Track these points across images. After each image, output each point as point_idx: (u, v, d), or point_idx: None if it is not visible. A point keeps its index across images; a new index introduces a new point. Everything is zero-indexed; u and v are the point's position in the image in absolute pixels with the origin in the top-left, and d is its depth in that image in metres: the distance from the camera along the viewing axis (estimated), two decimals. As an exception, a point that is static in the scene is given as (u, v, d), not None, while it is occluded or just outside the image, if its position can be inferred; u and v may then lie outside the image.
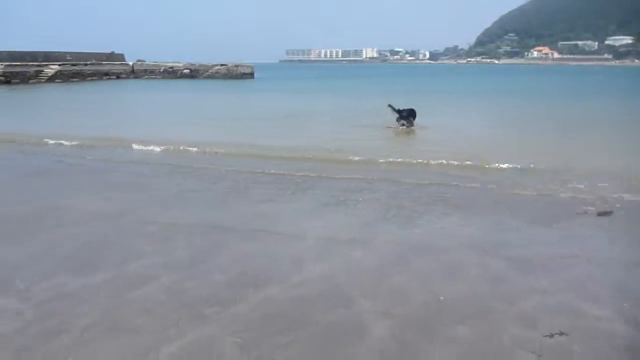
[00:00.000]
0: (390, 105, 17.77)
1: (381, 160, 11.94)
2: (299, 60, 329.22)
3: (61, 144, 14.38)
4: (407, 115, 17.45)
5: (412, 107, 17.74)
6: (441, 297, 5.10)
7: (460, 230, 7.21)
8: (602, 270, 5.88)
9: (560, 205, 8.55)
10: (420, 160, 11.83)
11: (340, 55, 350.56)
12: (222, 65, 67.89)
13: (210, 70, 67.20)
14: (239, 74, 66.16)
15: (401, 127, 17.34)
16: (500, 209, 8.21)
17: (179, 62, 70.40)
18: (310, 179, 10.26)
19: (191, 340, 4.30)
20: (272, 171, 10.92)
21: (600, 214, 7.88)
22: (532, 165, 11.08)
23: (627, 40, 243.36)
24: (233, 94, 42.30)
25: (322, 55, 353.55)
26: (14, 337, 4.38)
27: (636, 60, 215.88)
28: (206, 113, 25.52)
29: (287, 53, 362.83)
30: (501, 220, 7.66)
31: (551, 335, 4.37)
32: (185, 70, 67.93)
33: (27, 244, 6.61)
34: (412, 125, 17.37)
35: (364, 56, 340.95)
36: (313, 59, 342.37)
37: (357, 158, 12.14)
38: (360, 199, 8.80)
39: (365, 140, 15.28)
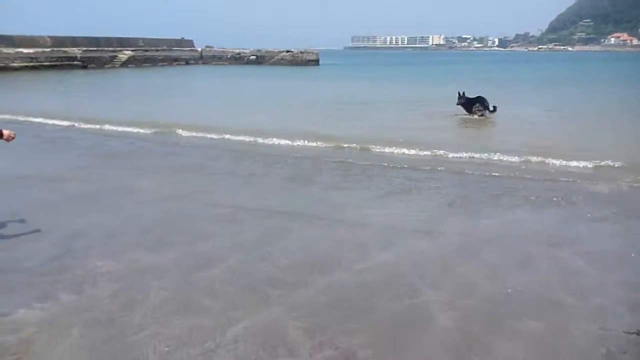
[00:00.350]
0: (461, 93, 17.18)
1: (448, 151, 11.68)
2: (364, 47, 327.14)
3: (137, 131, 14.87)
4: (478, 103, 16.86)
5: (481, 95, 17.14)
6: (509, 290, 4.98)
7: (531, 223, 7.00)
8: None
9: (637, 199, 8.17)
10: (488, 152, 11.50)
11: (406, 42, 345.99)
12: (287, 51, 68.43)
13: (276, 57, 67.90)
14: (304, 61, 66.45)
15: (476, 116, 16.76)
16: (572, 202, 7.90)
17: (245, 49, 71.55)
18: (375, 167, 10.21)
19: (256, 322, 4.39)
20: (337, 159, 10.93)
21: None
22: (608, 160, 10.57)
23: None
24: (298, 80, 42.79)
25: (388, 42, 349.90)
26: (105, 300, 4.71)
27: None
28: (272, 99, 25.85)
29: (352, 40, 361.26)
30: (574, 213, 7.38)
31: (638, 333, 4.21)
32: (251, 57, 68.99)
33: (108, 218, 6.98)
34: (485, 114, 16.76)
35: (430, 43, 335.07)
36: (378, 45, 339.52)
37: (423, 148, 11.90)
38: (426, 189, 8.69)
39: (432, 129, 15.05)
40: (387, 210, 7.49)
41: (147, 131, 14.57)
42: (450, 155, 11.28)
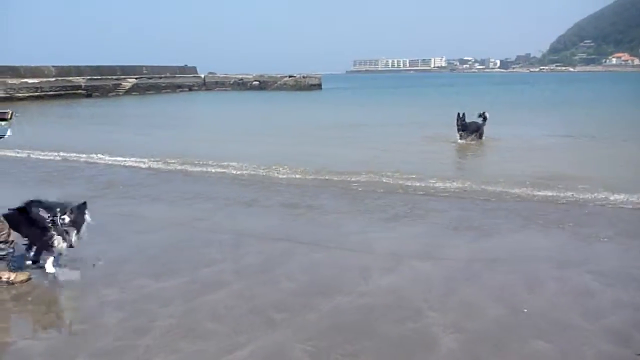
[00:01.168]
0: (460, 115, 16.95)
1: (446, 175, 11.74)
2: (366, 71, 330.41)
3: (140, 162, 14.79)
4: (470, 130, 16.75)
5: (478, 122, 17.07)
6: (525, 310, 5.02)
7: (536, 244, 7.03)
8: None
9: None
10: (488, 175, 11.56)
11: (407, 64, 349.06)
12: (290, 76, 69.08)
13: (278, 82, 68.51)
14: (306, 85, 67.03)
15: (461, 140, 16.67)
16: (576, 221, 7.93)
17: (248, 74, 72.23)
18: (376, 193, 10.23)
19: (262, 345, 4.41)
20: (337, 185, 10.97)
21: None
22: (610, 179, 10.63)
23: None
24: (300, 104, 43.15)
25: (390, 65, 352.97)
26: (113, 328, 4.73)
27: None
28: (272, 124, 26.15)
29: (354, 63, 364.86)
30: (578, 232, 7.41)
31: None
32: (254, 82, 69.59)
33: (117, 246, 7.05)
34: (471, 139, 16.66)
35: (432, 65, 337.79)
36: (380, 69, 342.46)
37: (423, 173, 11.92)
38: (428, 213, 8.71)
39: (433, 153, 15.18)
40: (390, 234, 7.53)
41: (147, 161, 14.36)
42: (450, 178, 11.29)
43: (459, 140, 16.70)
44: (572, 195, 9.51)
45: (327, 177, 11.55)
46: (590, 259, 6.44)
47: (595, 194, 9.47)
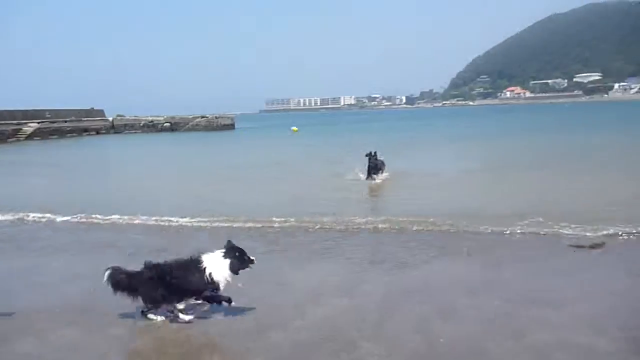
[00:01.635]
0: (369, 155, 16.93)
1: (359, 211, 11.92)
2: (279, 110, 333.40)
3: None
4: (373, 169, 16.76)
5: (381, 160, 17.07)
6: (441, 339, 5.13)
7: (452, 273, 7.25)
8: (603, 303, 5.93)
9: (549, 242, 8.68)
10: (400, 209, 11.87)
11: (319, 103, 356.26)
12: (202, 117, 68.32)
13: (190, 123, 67.48)
14: (219, 125, 66.51)
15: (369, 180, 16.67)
16: (483, 250, 8.27)
17: (159, 116, 70.68)
18: (292, 232, 10.20)
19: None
20: (253, 228, 10.69)
21: (592, 247, 8.18)
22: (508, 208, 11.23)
23: (595, 76, 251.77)
24: (212, 145, 42.70)
25: (301, 103, 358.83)
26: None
27: (605, 95, 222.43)
28: (183, 166, 25.68)
29: (267, 103, 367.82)
30: (486, 261, 7.72)
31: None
32: (165, 124, 68.06)
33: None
34: (374, 179, 16.67)
35: (342, 103, 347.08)
36: (292, 107, 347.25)
37: (336, 209, 12.05)
38: (345, 249, 8.79)
39: (344, 190, 15.42)
40: (311, 271, 7.52)
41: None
42: (362, 214, 11.47)
43: (371, 180, 16.64)
44: (479, 226, 9.87)
45: (244, 221, 11.22)
46: (498, 285, 6.71)
47: (499, 226, 9.75)
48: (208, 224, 11.11)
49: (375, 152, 16.91)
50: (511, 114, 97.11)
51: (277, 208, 12.31)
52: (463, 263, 7.72)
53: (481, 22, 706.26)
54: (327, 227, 10.37)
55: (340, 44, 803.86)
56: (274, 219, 11.01)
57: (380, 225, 10.27)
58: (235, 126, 67.45)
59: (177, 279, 5.67)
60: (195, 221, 11.33)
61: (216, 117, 68.59)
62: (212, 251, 5.89)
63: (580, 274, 7.08)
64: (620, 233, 8.82)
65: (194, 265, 5.76)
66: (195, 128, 66.00)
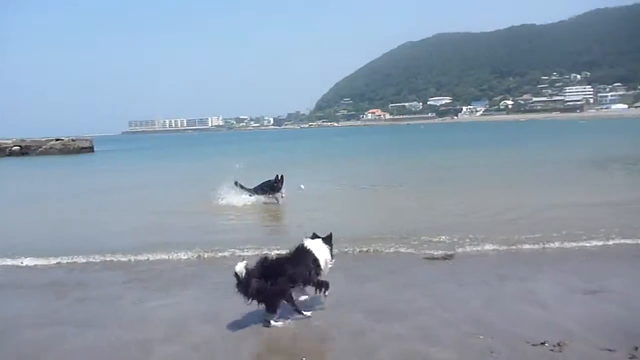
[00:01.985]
0: (237, 183, 16.56)
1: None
2: (143, 131, 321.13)
3: None
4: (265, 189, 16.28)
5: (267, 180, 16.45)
6: (303, 358, 5.21)
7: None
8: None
9: (406, 256, 9.23)
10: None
11: (185, 124, 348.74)
12: (57, 139, 63.56)
13: (44, 146, 62.36)
14: (77, 148, 62.21)
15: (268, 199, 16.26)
16: (345, 265, 8.58)
17: (6, 139, 64.60)
18: (147, 263, 9.86)
19: None
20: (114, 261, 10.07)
21: (444, 258, 8.84)
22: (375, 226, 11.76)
23: (446, 100, 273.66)
24: (65, 170, 39.58)
25: (167, 125, 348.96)
26: None
27: (455, 117, 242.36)
28: (31, 193, 23.64)
29: (130, 124, 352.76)
30: (349, 275, 8.00)
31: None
32: (14, 147, 62.20)
33: None
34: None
35: (209, 124, 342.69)
36: (158, 129, 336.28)
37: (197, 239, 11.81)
38: (203, 278, 8.65)
39: (216, 215, 15.12)
40: (168, 303, 7.30)
41: None
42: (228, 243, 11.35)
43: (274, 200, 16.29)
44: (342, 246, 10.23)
45: (105, 255, 10.53)
46: (360, 299, 7.00)
47: (360, 245, 10.01)
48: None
49: (281, 176, 16.23)
50: (373, 134, 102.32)
51: (138, 237, 11.82)
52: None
53: (343, 47, 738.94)
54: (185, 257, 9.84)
55: (206, 64, 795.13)
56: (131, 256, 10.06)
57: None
58: (95, 149, 63.69)
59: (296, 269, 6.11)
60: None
61: (72, 140, 64.09)
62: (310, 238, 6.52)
63: (430, 285, 7.60)
64: (468, 244, 9.59)
65: (309, 255, 6.28)
66: (50, 152, 61.08)
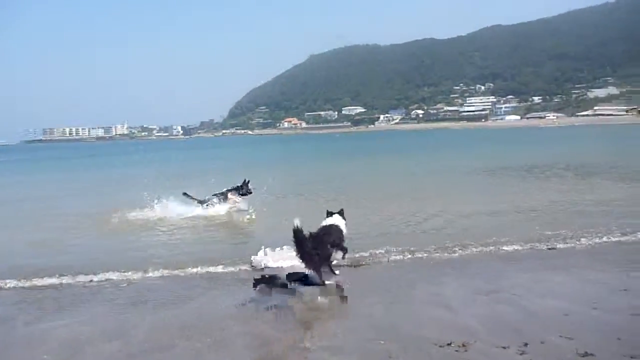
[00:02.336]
0: (185, 194, 15.68)
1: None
2: (44, 140, 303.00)
3: None
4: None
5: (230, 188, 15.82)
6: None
7: (220, 305, 7.29)
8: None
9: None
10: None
11: (88, 133, 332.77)
12: (-61, 150, 58.34)
13: None
14: (-37, 159, 57.62)
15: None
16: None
17: None
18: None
19: None
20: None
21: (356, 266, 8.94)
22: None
23: (360, 109, 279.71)
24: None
25: (68, 133, 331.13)
26: None
27: (371, 126, 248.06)
28: None
29: (28, 133, 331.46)
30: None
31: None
32: None
33: None
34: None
35: (113, 133, 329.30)
36: (57, 137, 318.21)
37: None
38: (97, 295, 8.29)
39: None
40: (65, 322, 6.92)
41: None
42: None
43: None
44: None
45: None
46: (269, 311, 6.97)
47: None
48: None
49: (248, 181, 15.84)
50: (288, 143, 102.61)
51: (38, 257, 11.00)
52: (236, 292, 7.82)
53: (257, 56, 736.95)
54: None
55: (110, 67, 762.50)
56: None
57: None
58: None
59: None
60: None
61: (-41, 150, 59.26)
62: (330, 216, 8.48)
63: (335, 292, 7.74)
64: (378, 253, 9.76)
65: (336, 227, 8.24)
66: None
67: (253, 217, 14.50)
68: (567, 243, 9.97)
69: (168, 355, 5.65)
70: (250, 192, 15.78)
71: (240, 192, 15.74)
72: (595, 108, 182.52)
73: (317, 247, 7.63)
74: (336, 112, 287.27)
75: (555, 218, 12.54)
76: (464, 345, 5.49)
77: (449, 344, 5.53)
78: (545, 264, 8.65)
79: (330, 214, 8.57)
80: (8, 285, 8.67)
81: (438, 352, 5.40)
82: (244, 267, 9.09)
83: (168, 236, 12.61)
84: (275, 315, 6.77)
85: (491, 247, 9.85)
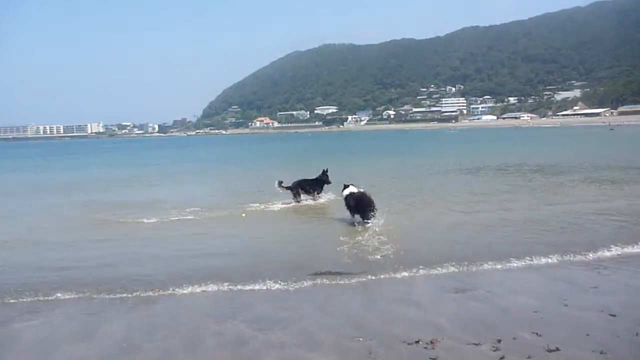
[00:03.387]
0: (280, 183, 16.34)
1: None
2: (13, 138, 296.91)
3: None
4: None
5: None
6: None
7: (195, 303, 7.26)
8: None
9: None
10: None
11: (62, 130, 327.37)
12: None
13: None
14: None
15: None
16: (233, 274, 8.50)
17: None
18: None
19: None
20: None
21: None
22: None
23: (332, 109, 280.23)
24: None
25: (41, 131, 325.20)
26: None
27: (341, 126, 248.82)
28: None
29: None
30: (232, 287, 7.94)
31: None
32: None
33: None
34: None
35: (89, 131, 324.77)
36: (30, 136, 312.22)
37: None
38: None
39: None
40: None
41: None
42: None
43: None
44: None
45: None
46: (244, 309, 6.98)
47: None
48: None
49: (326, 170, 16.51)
50: (260, 142, 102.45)
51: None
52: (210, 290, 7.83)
53: (230, 55, 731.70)
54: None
55: (84, 63, 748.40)
56: None
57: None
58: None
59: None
60: None
61: None
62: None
63: (313, 292, 7.77)
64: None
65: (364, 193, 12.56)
66: None
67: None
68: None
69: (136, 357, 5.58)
70: (330, 182, 16.37)
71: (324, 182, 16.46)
72: (575, 108, 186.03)
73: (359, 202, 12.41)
74: (308, 112, 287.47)
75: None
76: (431, 342, 5.60)
77: (417, 342, 5.63)
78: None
79: (346, 186, 13.01)
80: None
81: (406, 349, 5.50)
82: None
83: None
84: (250, 315, 6.77)
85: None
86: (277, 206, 15.57)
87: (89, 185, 25.02)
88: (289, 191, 16.28)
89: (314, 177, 16.65)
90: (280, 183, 16.39)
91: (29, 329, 6.56)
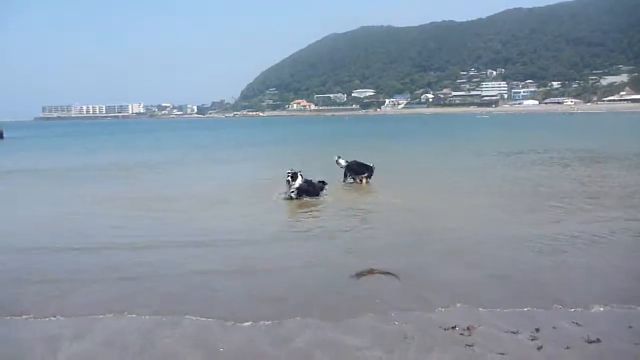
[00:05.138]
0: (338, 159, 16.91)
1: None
2: (58, 117, 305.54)
3: None
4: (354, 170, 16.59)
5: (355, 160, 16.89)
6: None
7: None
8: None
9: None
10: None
11: (104, 111, 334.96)
12: (-44, 126, 58.77)
13: (-60, 132, 57.68)
14: (-19, 134, 58.13)
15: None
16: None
17: None
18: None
19: None
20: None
21: None
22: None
23: (370, 92, 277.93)
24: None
25: (85, 111, 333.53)
26: None
27: (378, 109, 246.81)
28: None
29: (44, 110, 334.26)
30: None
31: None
32: None
33: None
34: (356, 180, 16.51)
35: (130, 112, 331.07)
36: (74, 115, 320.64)
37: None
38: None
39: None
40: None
41: None
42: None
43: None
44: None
45: None
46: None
47: None
48: None
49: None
50: (304, 125, 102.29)
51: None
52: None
53: (268, 37, 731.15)
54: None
55: (127, 47, 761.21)
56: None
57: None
58: (5, 135, 59.74)
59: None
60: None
61: (-24, 125, 59.61)
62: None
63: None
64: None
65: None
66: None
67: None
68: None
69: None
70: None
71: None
72: (622, 93, 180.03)
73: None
74: (345, 95, 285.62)
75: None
76: (468, 329, 5.53)
77: (453, 327, 5.58)
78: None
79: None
80: None
81: (442, 334, 5.46)
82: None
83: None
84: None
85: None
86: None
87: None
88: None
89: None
90: (338, 159, 16.92)
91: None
